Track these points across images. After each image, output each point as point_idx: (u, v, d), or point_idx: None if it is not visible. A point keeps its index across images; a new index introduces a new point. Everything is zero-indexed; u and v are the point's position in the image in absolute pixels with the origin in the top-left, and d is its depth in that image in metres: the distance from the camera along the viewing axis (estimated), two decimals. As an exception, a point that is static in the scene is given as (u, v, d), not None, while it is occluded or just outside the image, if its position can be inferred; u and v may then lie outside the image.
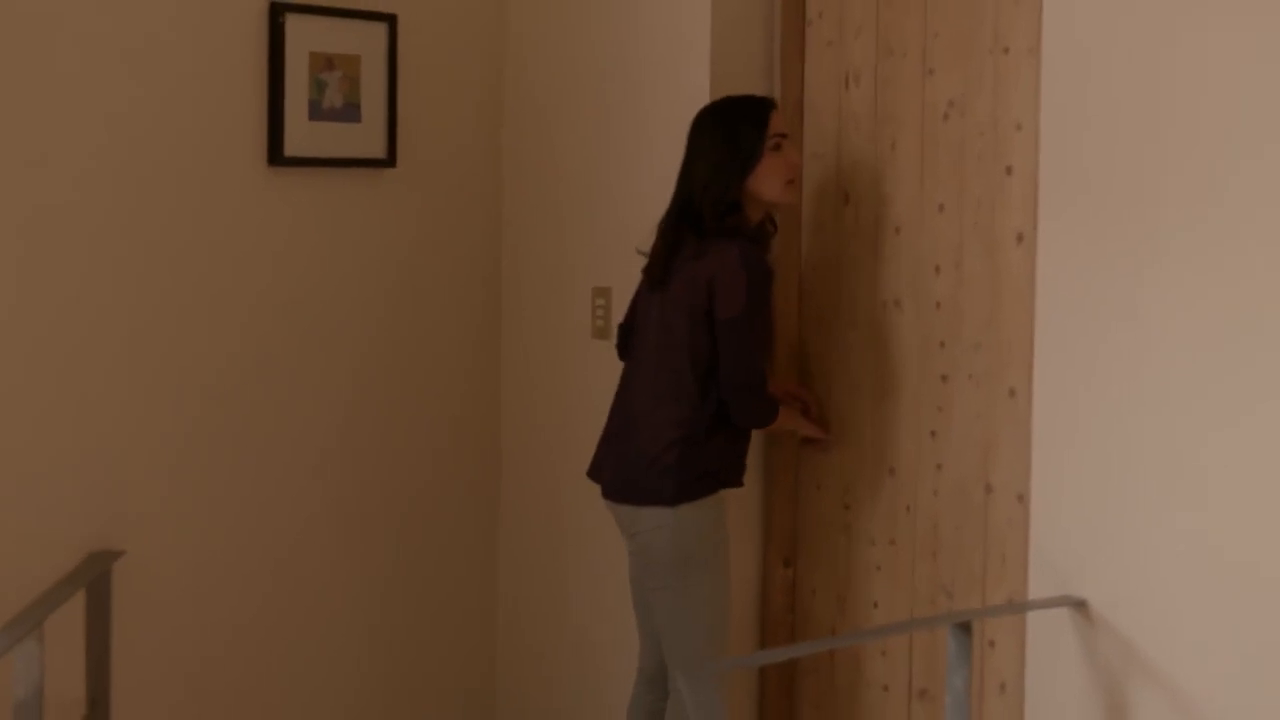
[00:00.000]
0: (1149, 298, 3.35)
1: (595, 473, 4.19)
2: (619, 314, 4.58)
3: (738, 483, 4.04)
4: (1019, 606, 3.72)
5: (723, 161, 3.95)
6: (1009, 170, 3.83)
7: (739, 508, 4.29)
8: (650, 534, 3.96)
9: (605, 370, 4.62)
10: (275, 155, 4.39)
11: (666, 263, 3.99)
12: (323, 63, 4.45)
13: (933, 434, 4.09)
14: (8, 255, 3.97)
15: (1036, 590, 3.64)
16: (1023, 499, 3.77)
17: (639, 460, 3.98)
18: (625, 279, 4.56)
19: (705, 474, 3.95)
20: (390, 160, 4.64)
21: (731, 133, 3.97)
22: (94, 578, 3.89)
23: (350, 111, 4.53)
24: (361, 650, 4.74)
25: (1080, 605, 3.48)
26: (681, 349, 3.93)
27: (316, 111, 4.45)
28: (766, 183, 3.99)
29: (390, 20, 4.60)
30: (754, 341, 3.90)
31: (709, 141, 3.99)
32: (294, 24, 4.37)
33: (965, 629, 3.47)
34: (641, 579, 4.10)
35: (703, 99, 4.29)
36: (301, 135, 4.42)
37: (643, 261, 4.11)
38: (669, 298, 3.97)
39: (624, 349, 4.22)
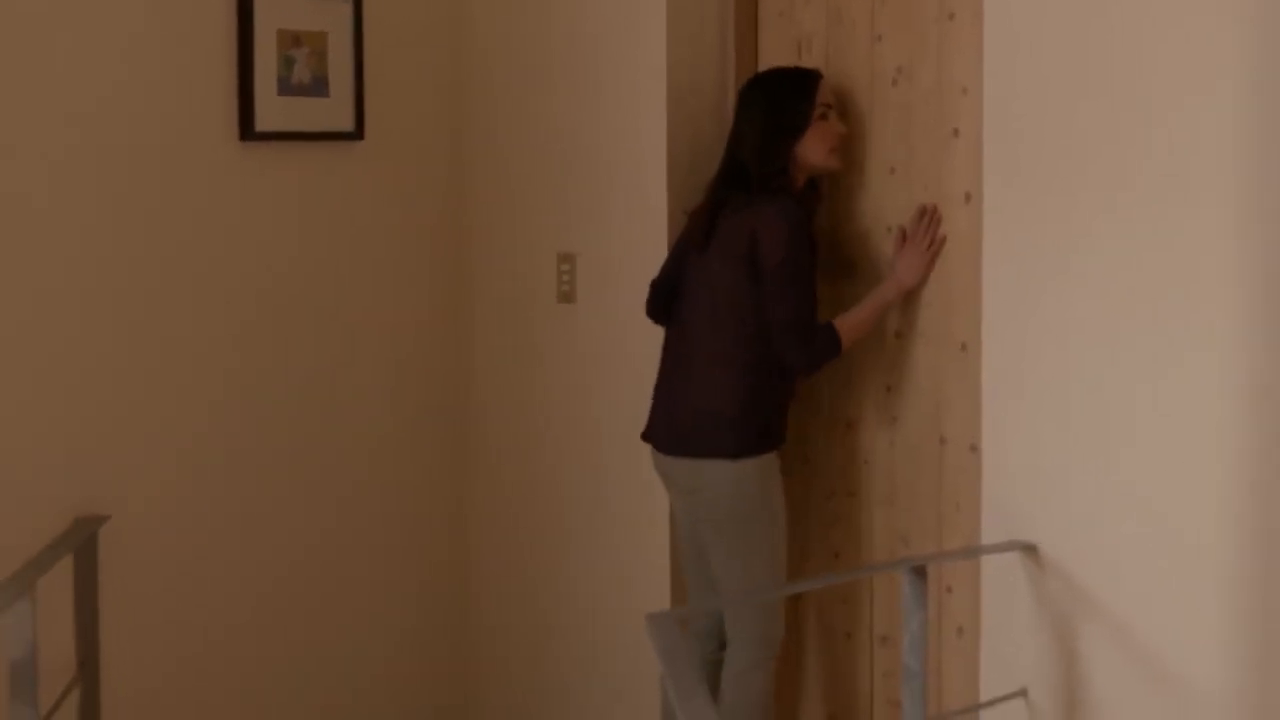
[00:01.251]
0: (1086, 253, 3.41)
1: (649, 432, 4.29)
2: (584, 279, 4.68)
3: (783, 440, 4.17)
4: (972, 551, 3.81)
5: (772, 129, 4.10)
6: (956, 133, 3.93)
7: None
8: (712, 487, 4.08)
9: (571, 334, 4.74)
10: (246, 130, 4.44)
11: (711, 221, 4.12)
12: (290, 39, 4.51)
13: (888, 389, 4.20)
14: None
15: (989, 536, 3.70)
16: (975, 449, 3.86)
17: (699, 415, 4.11)
18: (589, 245, 4.67)
19: (764, 428, 4.08)
20: (358, 133, 4.71)
21: (780, 103, 4.11)
22: (81, 542, 3.96)
23: (318, 86, 4.60)
24: (339, 610, 4.83)
25: (1030, 549, 3.55)
26: (732, 304, 4.06)
27: (285, 87, 4.51)
28: (812, 149, 4.12)
29: (356, -3, 4.67)
30: (798, 287, 3.98)
31: (759, 111, 4.13)
32: (262, 2, 4.42)
33: (920, 573, 3.55)
34: (699, 533, 4.21)
35: (659, 67, 4.40)
36: (271, 110, 4.48)
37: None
38: (714, 253, 4.09)
39: (656, 308, 4.33)
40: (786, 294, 3.97)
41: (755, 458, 4.06)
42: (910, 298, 4.09)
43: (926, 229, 4.02)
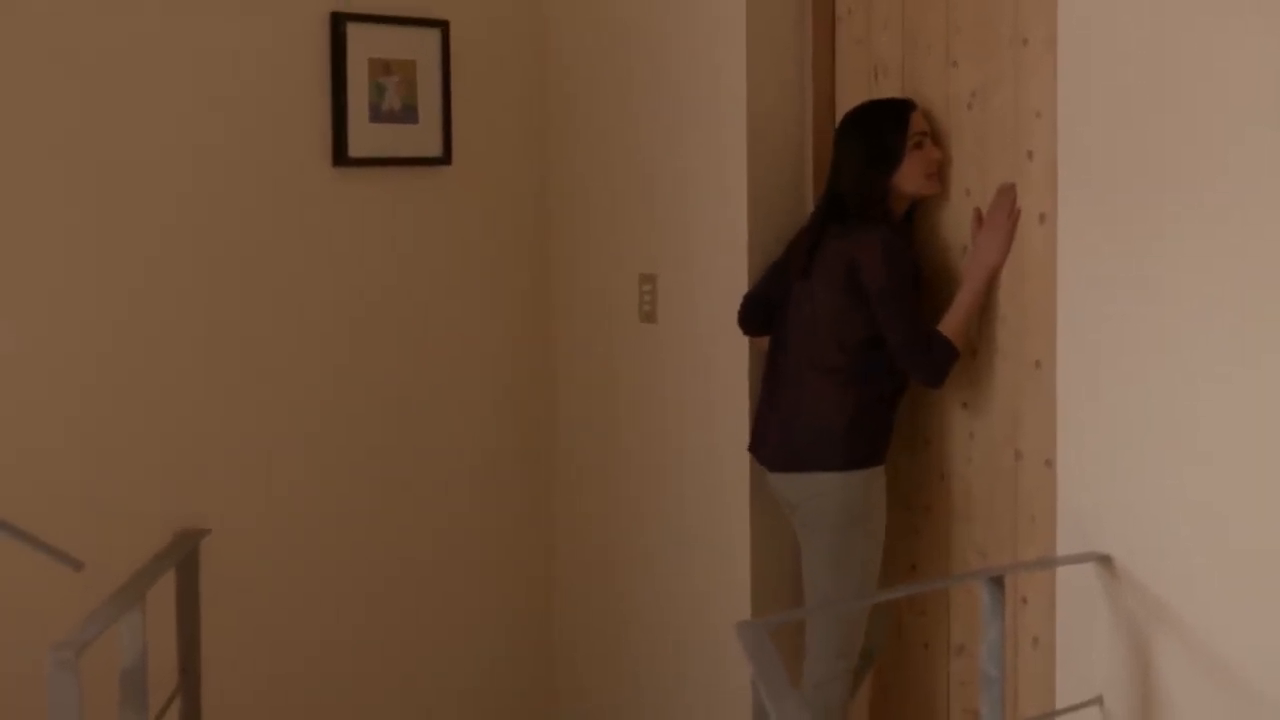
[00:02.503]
0: (1160, 271, 3.45)
1: (754, 446, 4.42)
2: (665, 299, 4.76)
3: (885, 457, 4.27)
4: (1048, 562, 3.86)
5: (868, 162, 4.20)
6: (1030, 155, 4.00)
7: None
8: (817, 499, 4.20)
9: (652, 353, 4.81)
10: (340, 156, 4.58)
11: (810, 250, 4.23)
12: (381, 68, 4.64)
13: (964, 405, 4.28)
14: (95, 253, 4.19)
15: (1064, 548, 3.74)
16: (1050, 464, 3.91)
17: (808, 430, 4.22)
18: (670, 266, 4.74)
19: (871, 442, 4.21)
20: (446, 158, 4.83)
21: (875, 136, 4.21)
22: (184, 555, 4.06)
23: (408, 113, 4.72)
24: (429, 626, 4.94)
25: (1105, 560, 3.60)
26: (835, 325, 4.18)
27: (377, 114, 4.64)
28: (909, 178, 4.22)
29: (443, 26, 4.78)
30: (904, 308, 4.08)
31: (856, 145, 4.24)
32: (354, 32, 4.56)
33: (998, 583, 3.61)
34: (805, 549, 4.32)
35: (739, 94, 4.48)
36: (363, 136, 4.61)
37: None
38: (817, 279, 4.21)
39: (749, 320, 4.46)
40: (895, 317, 4.08)
41: (862, 470, 4.18)
42: (986, 317, 4.16)
43: (1005, 205, 4.08)
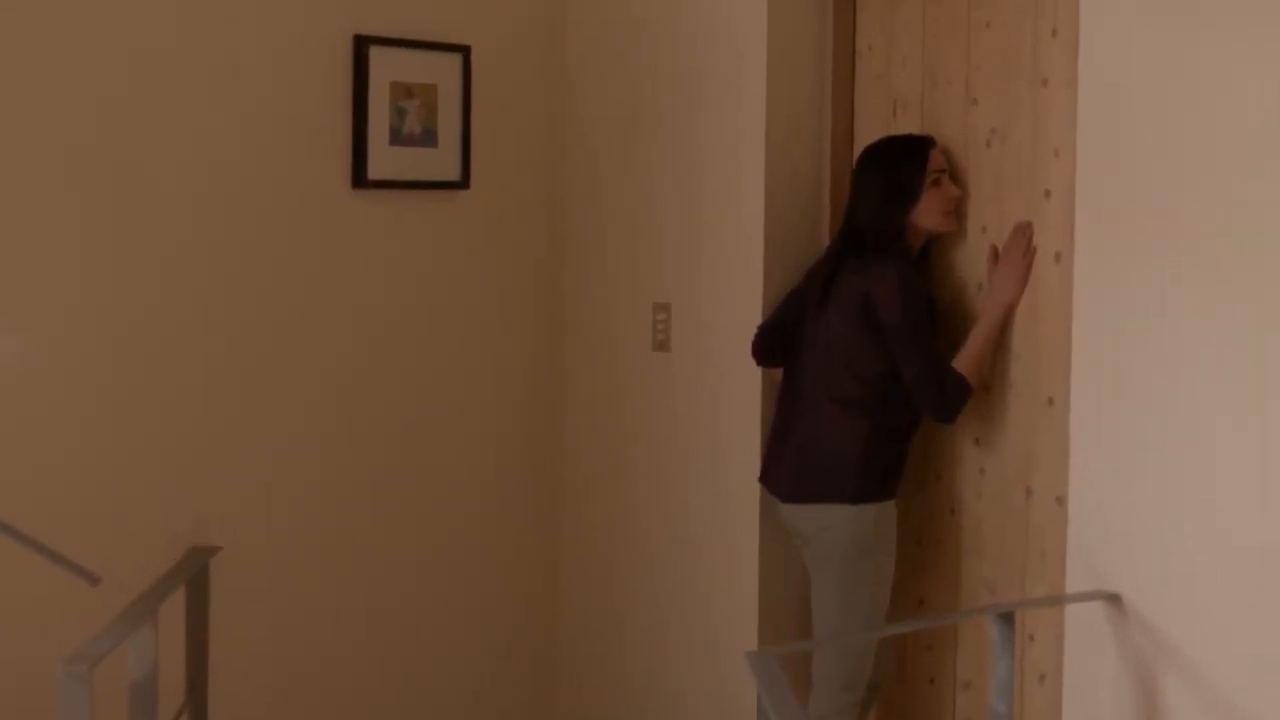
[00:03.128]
0: (1174, 311, 3.49)
1: (765, 476, 4.44)
2: (678, 329, 4.78)
3: (897, 492, 4.29)
4: (1057, 599, 3.88)
5: (887, 198, 4.21)
6: (1047, 194, 4.02)
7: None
8: (828, 531, 4.21)
9: (665, 381, 4.83)
10: (359, 178, 4.59)
11: (826, 282, 4.25)
12: (403, 92, 4.66)
13: (976, 441, 4.30)
14: (110, 268, 4.19)
15: (1074, 586, 3.77)
16: (1061, 501, 3.92)
17: (819, 461, 4.23)
18: (684, 295, 4.76)
19: (884, 475, 4.22)
20: (464, 182, 4.84)
21: (894, 171, 4.22)
22: (195, 572, 4.08)
23: (428, 137, 4.74)
24: (436, 645, 4.94)
25: (1114, 599, 3.62)
26: (850, 359, 4.20)
27: (397, 137, 4.66)
28: (926, 214, 4.23)
29: (465, 52, 4.80)
30: (921, 342, 4.10)
31: (874, 179, 4.25)
32: (376, 56, 4.58)
33: (1008, 619, 3.64)
34: (815, 580, 4.33)
35: (758, 126, 4.51)
36: (383, 159, 4.63)
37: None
38: (833, 312, 4.22)
39: (762, 350, 4.48)
40: (911, 352, 4.10)
41: (875, 504, 4.19)
42: (1000, 354, 4.17)
43: (1020, 244, 4.09)
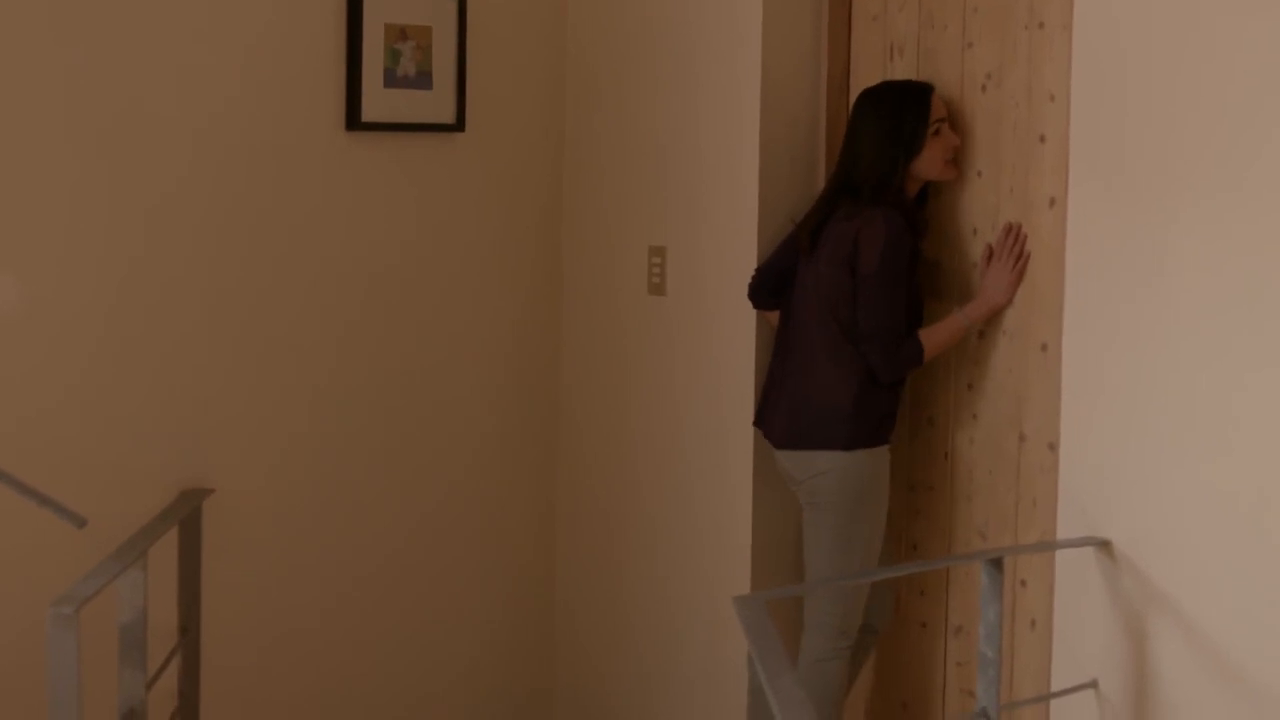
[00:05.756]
0: (1171, 258, 3.48)
1: (760, 421, 4.44)
2: (674, 271, 4.77)
3: (891, 437, 4.28)
4: (1048, 545, 3.89)
5: (887, 147, 4.18)
6: (1042, 139, 4.00)
7: (787, 454, 4.49)
8: (820, 477, 4.21)
9: (661, 325, 4.83)
10: (353, 120, 4.57)
11: (817, 228, 4.23)
12: (397, 33, 4.64)
13: (969, 386, 4.29)
14: (101, 213, 4.19)
15: (1065, 532, 3.79)
16: (1053, 447, 3.93)
17: (811, 407, 4.23)
18: (680, 238, 4.76)
19: (878, 420, 4.21)
20: (459, 125, 4.82)
21: (896, 121, 4.18)
22: (187, 514, 4.10)
23: (422, 79, 4.72)
24: (430, 592, 4.95)
25: (1105, 545, 3.63)
26: (838, 305, 4.18)
27: (391, 79, 4.64)
28: (928, 164, 4.21)
29: (460, -7, 4.79)
30: (889, 297, 4.11)
31: (874, 127, 4.21)
32: (370, -3, 4.57)
33: (997, 564, 3.65)
34: (807, 525, 4.34)
35: (754, 67, 4.49)
36: (377, 102, 4.61)
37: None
38: (821, 258, 4.21)
39: (758, 294, 4.47)
40: (877, 303, 4.11)
41: (868, 450, 4.19)
42: (995, 297, 4.18)
43: (1012, 247, 4.09)
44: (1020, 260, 4.08)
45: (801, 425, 4.26)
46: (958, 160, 4.27)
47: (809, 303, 4.27)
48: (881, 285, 4.10)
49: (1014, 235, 4.09)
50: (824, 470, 4.20)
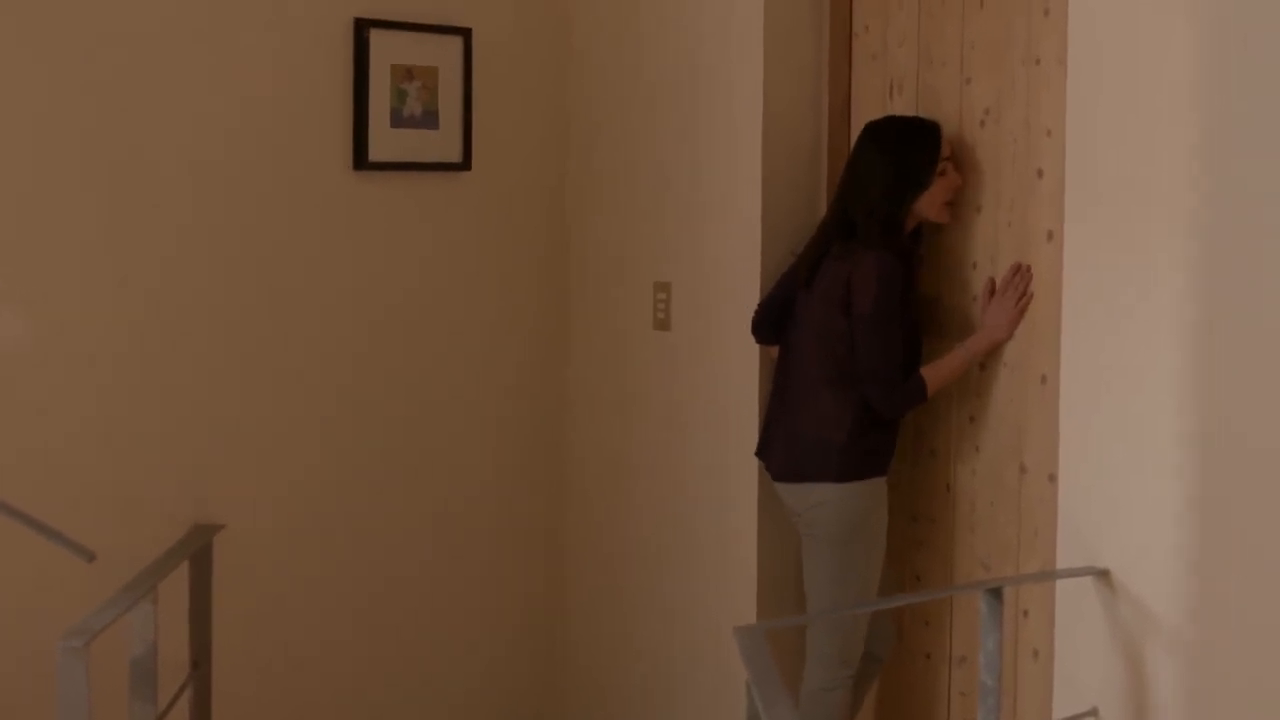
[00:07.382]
0: (1164, 288, 3.48)
1: (762, 452, 4.46)
2: (678, 308, 4.81)
3: (887, 469, 4.30)
4: (1046, 575, 3.90)
5: (893, 186, 4.19)
6: (1040, 173, 4.04)
7: (790, 487, 4.51)
8: (816, 509, 4.24)
9: (666, 360, 4.86)
10: (360, 160, 4.63)
11: (814, 264, 4.26)
12: (403, 74, 4.70)
13: (971, 418, 4.32)
14: (113, 250, 4.25)
15: (1064, 562, 3.78)
16: (1053, 478, 3.94)
17: (807, 440, 4.26)
18: (684, 274, 4.79)
19: (871, 453, 4.23)
20: (466, 164, 4.88)
21: (904, 160, 4.19)
22: (198, 548, 4.13)
23: (429, 119, 4.78)
24: (437, 622, 4.99)
25: (1103, 574, 3.64)
26: (832, 342, 4.21)
27: (398, 119, 4.70)
28: (930, 203, 4.23)
29: (465, 34, 4.83)
30: (884, 336, 4.12)
31: (880, 164, 4.20)
32: (377, 38, 4.62)
33: (996, 594, 3.66)
34: (806, 557, 4.36)
35: (756, 105, 4.53)
36: (384, 141, 4.67)
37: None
38: (817, 295, 4.24)
39: (760, 328, 4.49)
40: (872, 343, 4.13)
41: (862, 481, 4.21)
42: (994, 331, 4.21)
43: (1018, 284, 4.11)
44: (1024, 298, 4.11)
45: (797, 458, 4.29)
46: (954, 203, 4.29)
47: (807, 337, 4.30)
48: (876, 325, 4.13)
49: (1020, 274, 4.11)
50: (820, 502, 4.23)
